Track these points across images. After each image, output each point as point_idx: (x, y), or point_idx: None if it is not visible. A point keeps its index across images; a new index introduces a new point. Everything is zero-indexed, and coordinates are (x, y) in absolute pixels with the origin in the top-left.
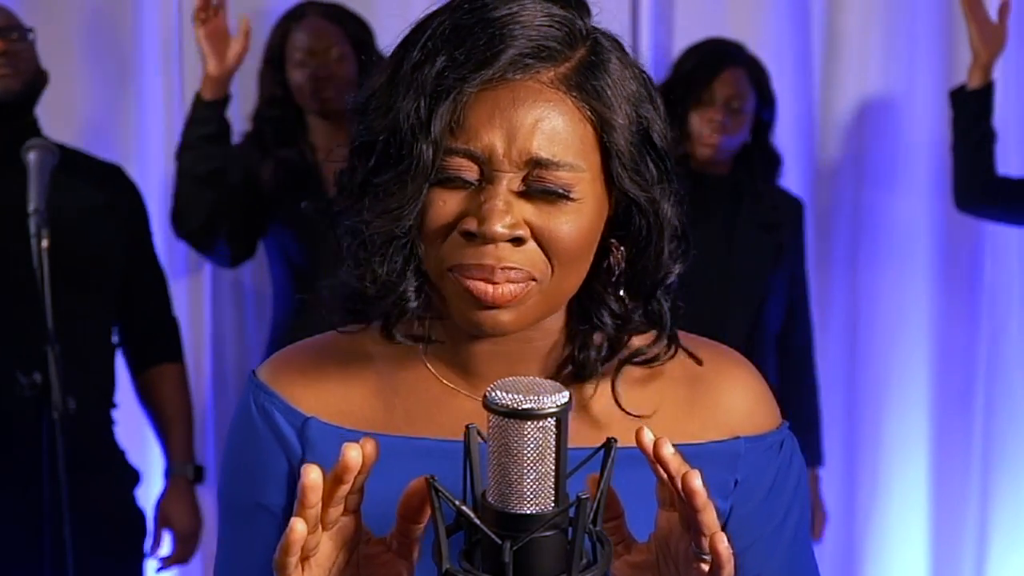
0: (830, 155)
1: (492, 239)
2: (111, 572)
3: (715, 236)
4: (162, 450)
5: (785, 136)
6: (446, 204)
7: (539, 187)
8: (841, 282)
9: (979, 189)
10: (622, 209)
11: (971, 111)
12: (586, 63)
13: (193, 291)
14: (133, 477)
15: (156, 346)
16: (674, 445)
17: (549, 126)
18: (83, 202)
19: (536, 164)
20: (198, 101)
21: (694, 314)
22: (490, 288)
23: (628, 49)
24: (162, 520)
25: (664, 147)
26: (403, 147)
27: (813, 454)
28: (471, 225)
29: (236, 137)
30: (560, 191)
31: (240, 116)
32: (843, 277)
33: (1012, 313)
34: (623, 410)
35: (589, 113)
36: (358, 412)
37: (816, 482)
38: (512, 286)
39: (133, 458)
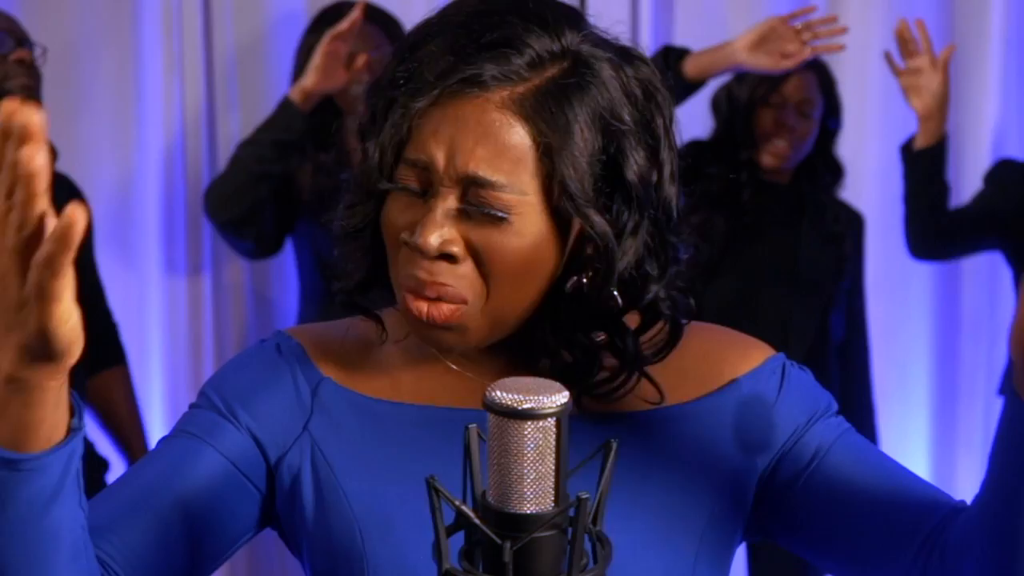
0: None
1: (424, 252)
2: None
3: (778, 247)
4: (120, 452)
5: None
6: (399, 212)
7: (477, 208)
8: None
9: (932, 237)
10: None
11: (921, 171)
12: (547, 87)
13: (192, 291)
14: (103, 465)
15: (102, 350)
16: (676, 407)
17: (490, 146)
18: None
19: (473, 183)
20: (289, 106)
21: (758, 323)
22: (424, 306)
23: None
24: None
25: (636, 182)
26: (365, 149)
27: None
28: (406, 236)
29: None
30: (498, 213)
31: (239, 122)
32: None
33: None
34: (660, 392)
35: (537, 137)
36: (368, 383)
37: None
38: (445, 306)
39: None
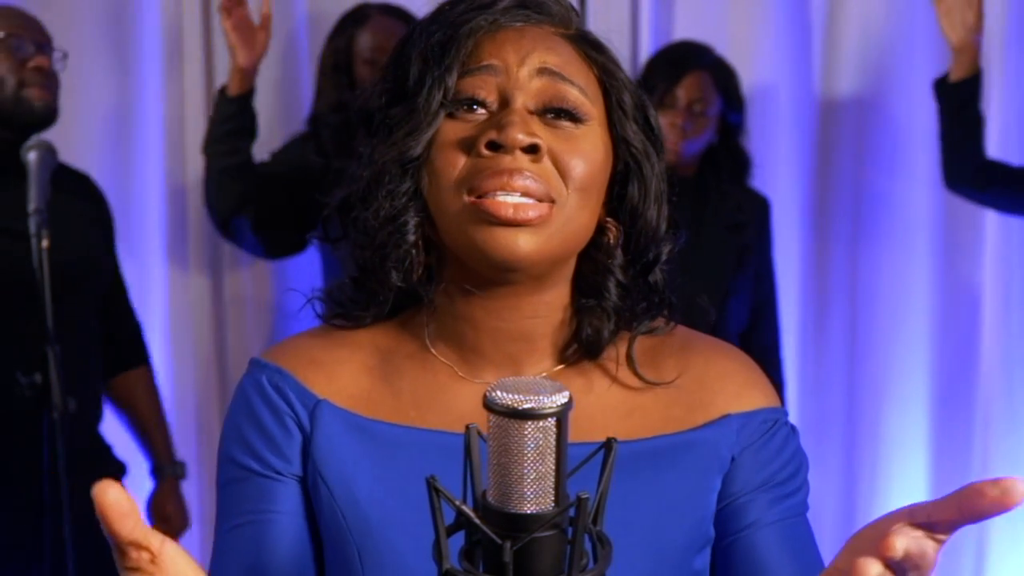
0: (829, 155)
1: (512, 144)
2: (104, 566)
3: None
4: (144, 451)
5: (785, 134)
6: (459, 131)
7: (553, 105)
8: (840, 281)
9: (969, 171)
10: (620, 168)
11: (954, 103)
12: (581, 35)
13: (196, 291)
14: (120, 470)
15: (126, 351)
16: (665, 436)
17: (559, 53)
18: (72, 209)
19: (550, 75)
20: (223, 98)
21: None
22: (510, 208)
23: (626, 47)
24: (158, 518)
25: (656, 127)
26: (415, 83)
27: None
28: (491, 135)
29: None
30: (572, 111)
31: (265, 118)
32: (842, 275)
33: (1013, 310)
34: (641, 378)
35: (592, 63)
36: (367, 397)
37: None
38: (533, 208)
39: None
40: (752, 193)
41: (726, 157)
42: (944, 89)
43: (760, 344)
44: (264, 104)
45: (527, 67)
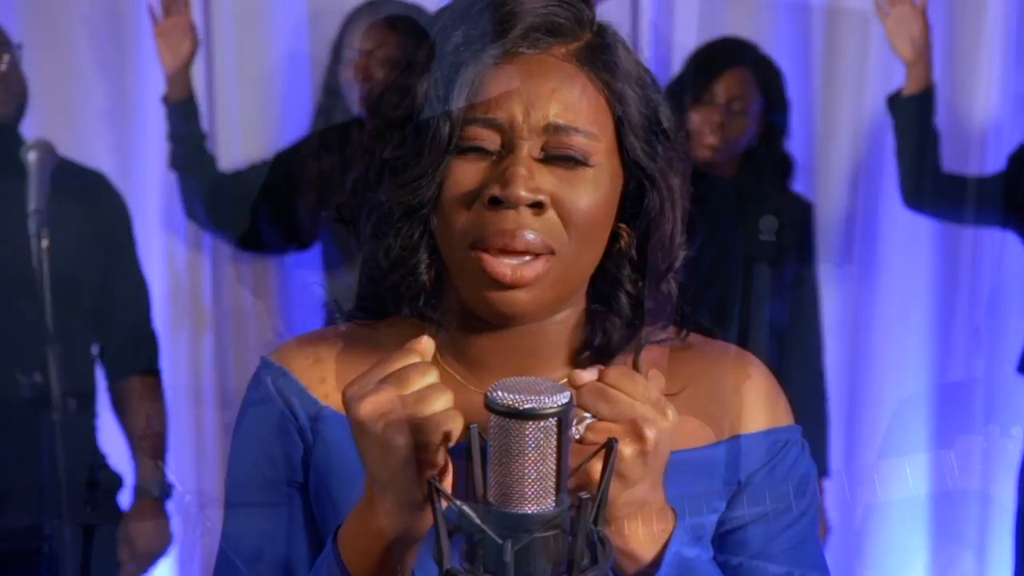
0: (829, 157)
1: (515, 202)
2: (104, 567)
3: (721, 238)
4: (132, 464)
5: None
6: (466, 175)
7: (558, 153)
8: (842, 282)
9: (927, 188)
10: (634, 186)
11: (910, 117)
12: (595, 43)
13: (192, 269)
14: (116, 482)
15: (130, 357)
16: (677, 452)
17: (565, 96)
18: (63, 213)
19: (555, 130)
20: (165, 103)
21: (699, 309)
22: (508, 271)
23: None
24: (124, 540)
25: (671, 131)
26: (422, 122)
27: (819, 462)
28: (495, 190)
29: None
30: (578, 157)
31: (238, 115)
32: (843, 277)
33: (1012, 312)
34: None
35: (602, 86)
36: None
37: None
38: (531, 267)
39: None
40: (793, 196)
41: (767, 159)
42: (898, 104)
43: (803, 348)
44: (267, 105)
45: (532, 119)
